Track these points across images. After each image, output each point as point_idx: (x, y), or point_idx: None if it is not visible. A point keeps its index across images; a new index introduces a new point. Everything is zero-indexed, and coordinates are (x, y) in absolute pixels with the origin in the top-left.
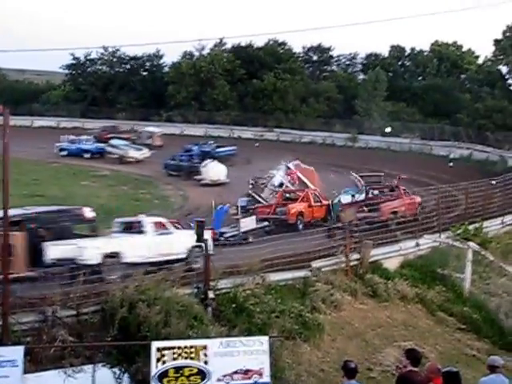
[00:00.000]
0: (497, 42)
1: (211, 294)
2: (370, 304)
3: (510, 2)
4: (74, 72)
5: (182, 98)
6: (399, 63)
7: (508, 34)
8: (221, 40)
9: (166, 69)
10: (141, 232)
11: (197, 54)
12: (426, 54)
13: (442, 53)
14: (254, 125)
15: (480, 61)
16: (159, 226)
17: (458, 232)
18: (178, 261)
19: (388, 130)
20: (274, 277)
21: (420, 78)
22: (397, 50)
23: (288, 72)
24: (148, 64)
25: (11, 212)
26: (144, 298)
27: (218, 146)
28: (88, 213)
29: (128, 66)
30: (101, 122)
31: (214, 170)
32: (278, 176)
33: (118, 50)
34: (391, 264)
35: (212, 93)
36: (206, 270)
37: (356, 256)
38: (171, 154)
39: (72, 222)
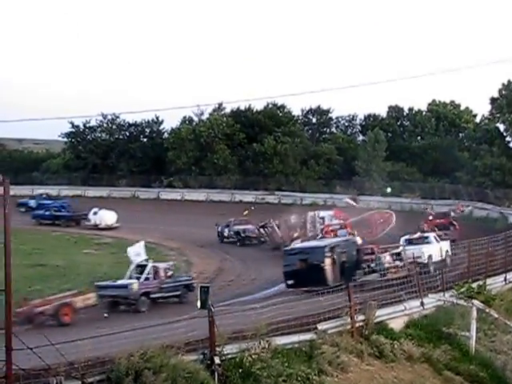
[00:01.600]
0: (493, 100)
1: (217, 360)
2: (377, 365)
3: (506, 62)
4: (73, 140)
5: (183, 164)
6: (398, 123)
7: (504, 93)
8: (220, 105)
9: (166, 135)
10: (428, 243)
11: (196, 119)
12: (423, 113)
13: (440, 112)
14: (255, 188)
15: (477, 119)
16: (436, 238)
17: (462, 290)
18: (441, 261)
19: (388, 190)
20: (280, 340)
21: (419, 138)
22: (395, 111)
23: (288, 135)
24: (147, 130)
25: (322, 242)
26: (150, 366)
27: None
28: (359, 240)
29: (127, 133)
30: (102, 190)
31: (107, 216)
32: (323, 213)
33: (117, 117)
34: (396, 324)
35: (212, 157)
36: (211, 335)
37: (361, 317)
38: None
39: (353, 247)
